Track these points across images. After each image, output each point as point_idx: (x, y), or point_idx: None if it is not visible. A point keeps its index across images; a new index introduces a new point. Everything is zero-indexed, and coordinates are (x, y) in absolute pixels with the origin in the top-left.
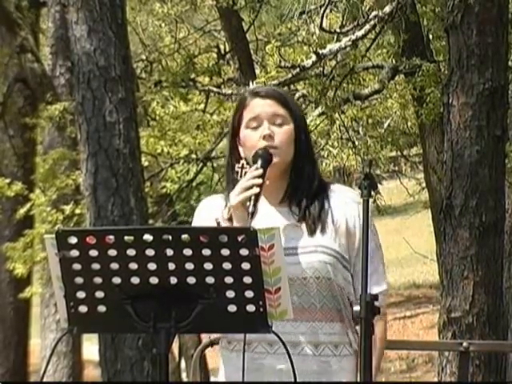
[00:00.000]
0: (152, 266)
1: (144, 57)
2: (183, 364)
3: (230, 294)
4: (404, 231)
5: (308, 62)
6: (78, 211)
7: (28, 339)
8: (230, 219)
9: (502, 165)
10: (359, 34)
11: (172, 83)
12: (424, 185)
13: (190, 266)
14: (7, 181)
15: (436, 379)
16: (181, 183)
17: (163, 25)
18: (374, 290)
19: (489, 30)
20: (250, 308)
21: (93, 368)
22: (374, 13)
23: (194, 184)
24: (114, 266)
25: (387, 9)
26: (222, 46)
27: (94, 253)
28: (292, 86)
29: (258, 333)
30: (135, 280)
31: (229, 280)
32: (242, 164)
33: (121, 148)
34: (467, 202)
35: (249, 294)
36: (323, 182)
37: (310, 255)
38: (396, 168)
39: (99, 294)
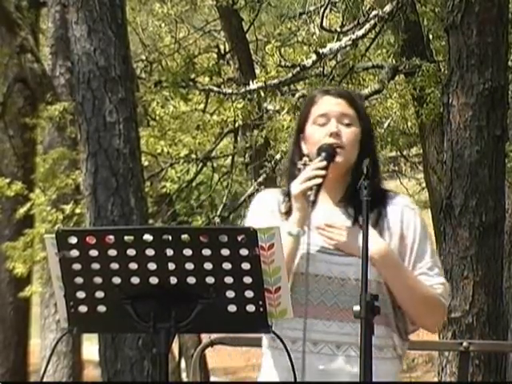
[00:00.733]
0: (152, 266)
1: (144, 57)
2: (183, 364)
3: (230, 293)
4: None
5: (308, 62)
6: (77, 211)
7: (28, 339)
8: (287, 213)
9: (502, 165)
10: (359, 33)
11: (172, 83)
12: (424, 185)
13: (189, 265)
14: (7, 180)
15: (436, 379)
16: (181, 183)
17: (163, 25)
18: (436, 279)
19: (489, 29)
20: (250, 308)
21: (93, 368)
22: (374, 12)
23: (193, 184)
24: (114, 265)
25: (387, 8)
26: (221, 46)
27: (94, 253)
28: (292, 86)
29: (257, 333)
30: (135, 280)
31: (229, 280)
32: (305, 161)
33: (121, 148)
34: (467, 201)
35: (249, 293)
36: (382, 188)
37: (354, 257)
38: (396, 168)
39: (99, 294)
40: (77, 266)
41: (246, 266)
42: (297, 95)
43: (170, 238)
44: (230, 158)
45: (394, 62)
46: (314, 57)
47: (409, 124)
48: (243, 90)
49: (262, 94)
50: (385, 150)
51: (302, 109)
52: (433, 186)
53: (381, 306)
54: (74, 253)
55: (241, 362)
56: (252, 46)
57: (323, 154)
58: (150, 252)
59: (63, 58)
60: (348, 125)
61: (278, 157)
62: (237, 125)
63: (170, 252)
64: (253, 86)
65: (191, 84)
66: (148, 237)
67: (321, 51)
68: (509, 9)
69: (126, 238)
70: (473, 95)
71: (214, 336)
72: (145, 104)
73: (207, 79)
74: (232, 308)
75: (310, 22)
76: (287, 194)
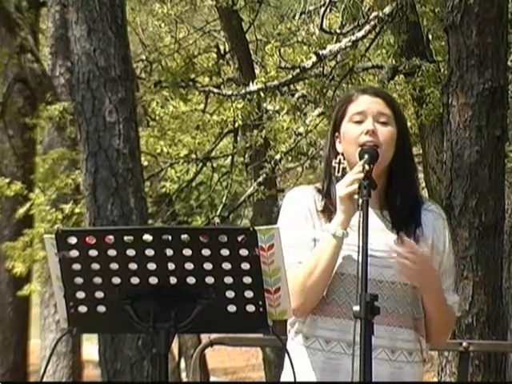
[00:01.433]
0: (152, 266)
1: (144, 57)
2: (183, 364)
3: (230, 294)
4: None
5: (308, 63)
6: (77, 211)
7: (28, 339)
8: (324, 211)
9: (502, 165)
10: (359, 34)
11: (172, 83)
12: (423, 185)
13: (189, 266)
14: (7, 180)
15: (436, 379)
16: (180, 183)
17: (163, 25)
18: (452, 298)
19: (488, 30)
20: (250, 308)
21: (93, 368)
22: (373, 13)
23: (193, 184)
24: (114, 266)
25: (387, 9)
26: (221, 46)
27: (93, 253)
28: (292, 86)
29: (257, 333)
30: (135, 280)
31: (228, 280)
32: (340, 159)
33: (120, 148)
34: (467, 202)
35: (248, 294)
36: (418, 193)
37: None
38: None
39: (99, 294)
40: (76, 266)
41: (245, 266)
42: (296, 95)
43: (170, 238)
44: (230, 158)
45: (393, 62)
46: (313, 58)
47: (408, 124)
48: (243, 91)
49: (262, 94)
50: None
51: (336, 108)
52: (432, 185)
53: (413, 311)
54: (74, 253)
55: (241, 362)
56: (252, 46)
57: (366, 156)
58: (149, 252)
59: (63, 58)
60: (384, 124)
61: (277, 157)
62: (236, 125)
63: (169, 252)
64: (252, 87)
65: (191, 84)
66: (148, 237)
67: (321, 53)
68: (508, 9)
69: (125, 238)
70: (473, 95)
71: (213, 336)
72: (144, 104)
73: (207, 79)
74: (232, 308)
75: (309, 21)
76: (323, 192)
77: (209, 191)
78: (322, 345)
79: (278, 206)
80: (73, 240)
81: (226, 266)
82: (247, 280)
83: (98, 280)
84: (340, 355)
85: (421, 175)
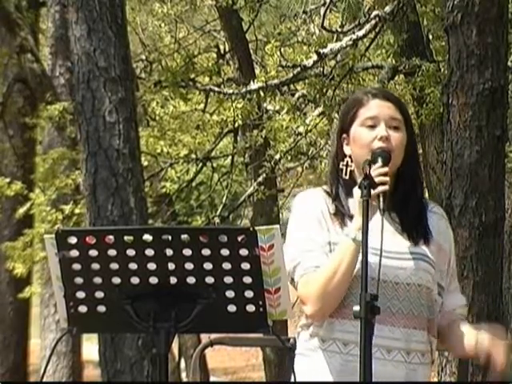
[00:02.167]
0: (152, 266)
1: (144, 57)
2: (183, 364)
3: (230, 293)
4: None
5: (309, 62)
6: (77, 211)
7: (28, 339)
8: (336, 214)
9: (502, 165)
10: (360, 33)
11: (172, 83)
12: (424, 185)
13: (189, 265)
14: (7, 180)
15: (436, 379)
16: (180, 183)
17: (163, 25)
18: (460, 301)
19: (489, 29)
20: (250, 308)
21: (93, 368)
22: (374, 12)
23: (193, 184)
24: (114, 265)
25: (387, 8)
26: (221, 46)
27: (93, 253)
28: (292, 86)
29: (257, 333)
30: (135, 280)
31: (228, 280)
32: (347, 162)
33: (120, 148)
34: (467, 201)
35: (248, 293)
36: (424, 195)
37: (415, 262)
38: None
39: (99, 294)
40: (76, 266)
41: (245, 266)
42: (296, 95)
43: (170, 238)
44: (230, 157)
45: (393, 62)
46: (314, 57)
47: None
48: (243, 90)
49: (262, 94)
50: None
51: (345, 110)
52: (432, 185)
53: (427, 312)
54: (74, 253)
55: (240, 362)
56: (252, 45)
57: (379, 160)
58: (149, 252)
59: (63, 57)
60: (396, 128)
61: (277, 157)
62: (236, 125)
63: (169, 252)
64: (253, 86)
65: (191, 84)
66: (148, 237)
67: (321, 51)
68: (509, 9)
69: (125, 238)
70: (473, 95)
71: (213, 336)
72: (144, 104)
73: (207, 79)
74: (232, 308)
75: (309, 21)
76: (332, 195)
77: (209, 191)
78: (340, 347)
79: (278, 205)
80: (73, 240)
81: (226, 265)
82: (247, 280)
83: (98, 280)
84: (358, 357)
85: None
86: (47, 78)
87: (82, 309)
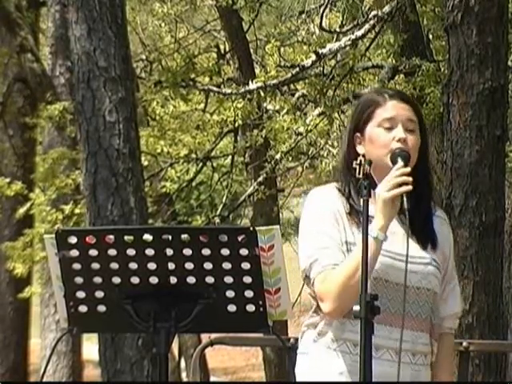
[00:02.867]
0: (152, 266)
1: (144, 57)
2: (183, 364)
3: (230, 293)
4: None
5: (308, 62)
6: (77, 211)
7: (28, 339)
8: (351, 213)
9: (502, 165)
10: (359, 33)
11: (172, 83)
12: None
13: (189, 265)
14: (7, 180)
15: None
16: (180, 183)
17: (163, 25)
18: (451, 309)
19: (489, 29)
20: (250, 308)
21: (93, 368)
22: (373, 12)
23: (193, 184)
24: (114, 265)
25: (387, 8)
26: (221, 46)
27: (93, 252)
28: (292, 86)
29: (257, 332)
30: (135, 280)
31: (228, 280)
32: (361, 161)
33: (121, 148)
34: (467, 201)
35: (248, 293)
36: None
37: (426, 267)
38: None
39: (99, 294)
40: (77, 266)
41: (245, 265)
42: (296, 95)
43: (170, 237)
44: (230, 157)
45: (393, 61)
46: (313, 57)
47: None
48: (243, 89)
49: (262, 93)
50: None
51: (359, 109)
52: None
53: (432, 316)
54: (74, 252)
55: (241, 362)
56: (252, 45)
57: (399, 160)
58: (149, 252)
59: (63, 57)
60: (412, 131)
61: (277, 157)
62: (237, 125)
63: (169, 252)
64: (252, 85)
65: (191, 84)
66: (148, 236)
67: (320, 51)
68: (509, 9)
69: (125, 237)
70: (473, 95)
71: (213, 336)
72: (145, 104)
73: (207, 79)
74: (232, 308)
75: (309, 21)
76: (346, 194)
77: (209, 191)
78: (350, 348)
79: (278, 205)
80: (73, 240)
81: (226, 265)
82: (247, 280)
83: (98, 280)
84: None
85: None
86: (47, 77)
87: (82, 308)
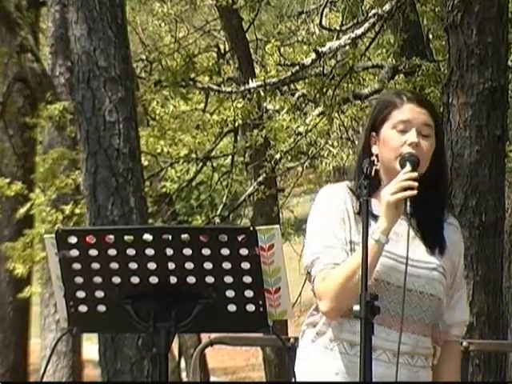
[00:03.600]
0: (152, 266)
1: (144, 56)
2: (183, 364)
3: (230, 293)
4: None
5: (307, 60)
6: (77, 211)
7: (28, 339)
8: (359, 213)
9: (502, 165)
10: (359, 32)
11: (172, 83)
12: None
13: (189, 265)
14: (7, 180)
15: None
16: (181, 183)
17: (163, 24)
18: (459, 317)
19: (489, 29)
20: (250, 307)
21: (93, 368)
22: (373, 11)
23: (193, 183)
24: (114, 265)
25: (387, 7)
26: (221, 46)
27: (93, 252)
28: (292, 86)
29: (257, 332)
30: (135, 279)
31: (228, 279)
32: (373, 161)
33: (121, 148)
34: (467, 201)
35: (248, 293)
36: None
37: (431, 272)
38: None
39: (99, 294)
40: (77, 266)
41: (245, 265)
42: (296, 95)
43: (170, 237)
44: (230, 157)
45: (393, 61)
46: (313, 55)
47: None
48: (242, 88)
49: (262, 93)
50: None
51: (377, 109)
52: None
53: (435, 321)
54: (74, 252)
55: (241, 362)
56: (252, 45)
57: (408, 165)
58: (149, 251)
59: (63, 57)
60: (426, 136)
61: (277, 156)
62: (237, 124)
63: (169, 251)
64: (252, 84)
65: (191, 83)
66: (148, 236)
67: (320, 50)
68: (509, 9)
69: (125, 237)
70: (473, 95)
71: (213, 335)
72: (145, 103)
73: (207, 79)
74: (232, 307)
75: (309, 21)
76: (356, 193)
77: (209, 191)
78: (346, 348)
79: (278, 205)
80: (73, 239)
81: (226, 265)
82: (247, 279)
83: (98, 279)
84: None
85: None
86: (47, 77)
87: (82, 308)
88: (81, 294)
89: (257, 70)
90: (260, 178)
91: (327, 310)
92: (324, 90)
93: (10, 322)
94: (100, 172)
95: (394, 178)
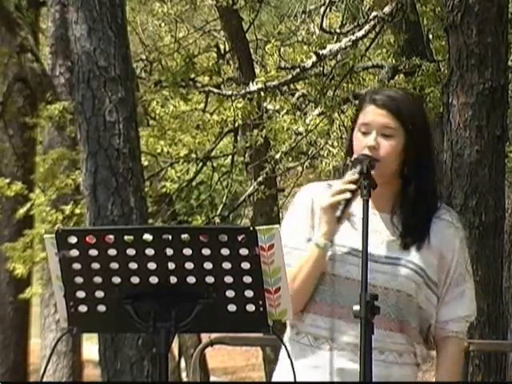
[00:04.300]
0: (152, 266)
1: (144, 56)
2: (183, 364)
3: (230, 293)
4: None
5: (308, 63)
6: (77, 211)
7: (28, 339)
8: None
9: (502, 165)
10: (359, 34)
11: (172, 83)
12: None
13: (189, 265)
14: (7, 181)
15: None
16: (180, 183)
17: (163, 24)
18: (456, 313)
19: (489, 29)
20: (250, 307)
21: (93, 368)
22: (374, 13)
23: (193, 183)
24: (114, 265)
25: (387, 9)
26: (221, 46)
27: (93, 252)
28: (292, 86)
29: (257, 332)
30: (135, 279)
31: (228, 279)
32: (351, 160)
33: (121, 148)
34: (467, 201)
35: (249, 293)
36: (435, 200)
37: (397, 268)
38: None
39: (99, 294)
40: (77, 266)
41: (245, 265)
42: (296, 95)
43: (170, 237)
44: (230, 157)
45: (393, 61)
46: (313, 58)
47: None
48: (243, 91)
49: (262, 94)
50: None
51: (356, 108)
52: None
53: (407, 317)
54: (74, 252)
55: (241, 362)
56: (252, 45)
57: (358, 167)
58: (149, 251)
59: (63, 57)
60: (388, 136)
61: (277, 157)
62: (237, 124)
63: (169, 251)
64: (252, 87)
65: (191, 84)
66: (148, 236)
67: (321, 52)
68: (509, 9)
69: (125, 237)
70: (473, 95)
71: (213, 335)
72: (145, 104)
73: (207, 79)
74: (232, 307)
75: (309, 21)
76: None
77: (209, 191)
78: (311, 341)
79: (278, 205)
80: (73, 239)
81: (226, 265)
82: (247, 279)
83: (98, 279)
84: (326, 352)
85: None
86: (47, 77)
87: (82, 308)
88: (81, 294)
89: (257, 71)
90: (260, 178)
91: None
92: (324, 90)
93: (10, 322)
94: (100, 172)
95: None
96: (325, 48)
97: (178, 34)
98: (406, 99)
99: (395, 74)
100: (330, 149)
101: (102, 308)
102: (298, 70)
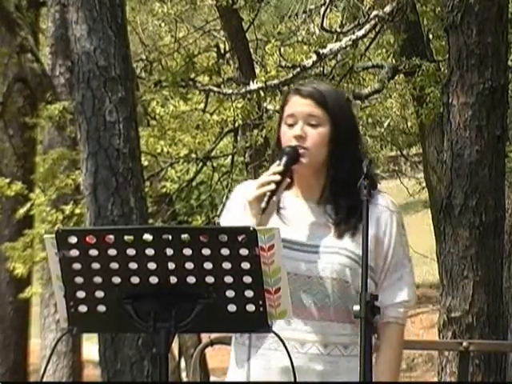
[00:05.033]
0: (152, 266)
1: (144, 56)
2: (183, 364)
3: (230, 293)
4: None
5: (308, 62)
6: (77, 211)
7: (28, 339)
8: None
9: (502, 165)
10: (359, 33)
11: (172, 83)
12: (424, 184)
13: (189, 265)
14: (7, 180)
15: (436, 379)
16: (181, 183)
17: (163, 24)
18: (395, 298)
19: (489, 29)
20: (250, 307)
21: (93, 368)
22: (374, 12)
23: (193, 183)
24: (114, 265)
25: (387, 8)
26: (221, 46)
27: (93, 252)
28: (292, 86)
29: (258, 332)
30: (135, 279)
31: (228, 279)
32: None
33: (121, 148)
34: (467, 201)
35: (249, 293)
36: (369, 187)
37: (331, 256)
38: (396, 167)
39: (99, 294)
40: (77, 266)
41: (245, 265)
42: None
43: (170, 237)
44: (230, 157)
45: (393, 61)
46: (314, 57)
47: (409, 124)
48: (243, 90)
49: (262, 93)
50: (385, 149)
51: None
52: (432, 185)
53: (347, 305)
54: (74, 252)
55: None
56: (252, 45)
57: (283, 159)
58: (149, 251)
59: (63, 57)
60: (315, 125)
61: None
62: (237, 124)
63: (169, 251)
64: (253, 86)
65: (191, 83)
66: (148, 236)
67: (321, 52)
68: (509, 9)
69: (125, 237)
70: (473, 95)
71: (213, 335)
72: (145, 103)
73: (207, 79)
74: (232, 308)
75: (309, 21)
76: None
77: (209, 191)
78: (252, 340)
79: None
80: (73, 239)
81: (226, 265)
82: (247, 279)
83: (98, 279)
84: (271, 351)
85: (421, 175)
86: (47, 77)
87: (82, 308)
88: (81, 294)
89: (257, 70)
90: None
91: None
92: None
93: (9, 321)
94: (100, 172)
95: (296, 172)
96: (325, 47)
97: (178, 33)
98: (330, 89)
99: (395, 73)
100: None
101: (102, 308)
102: (298, 69)
